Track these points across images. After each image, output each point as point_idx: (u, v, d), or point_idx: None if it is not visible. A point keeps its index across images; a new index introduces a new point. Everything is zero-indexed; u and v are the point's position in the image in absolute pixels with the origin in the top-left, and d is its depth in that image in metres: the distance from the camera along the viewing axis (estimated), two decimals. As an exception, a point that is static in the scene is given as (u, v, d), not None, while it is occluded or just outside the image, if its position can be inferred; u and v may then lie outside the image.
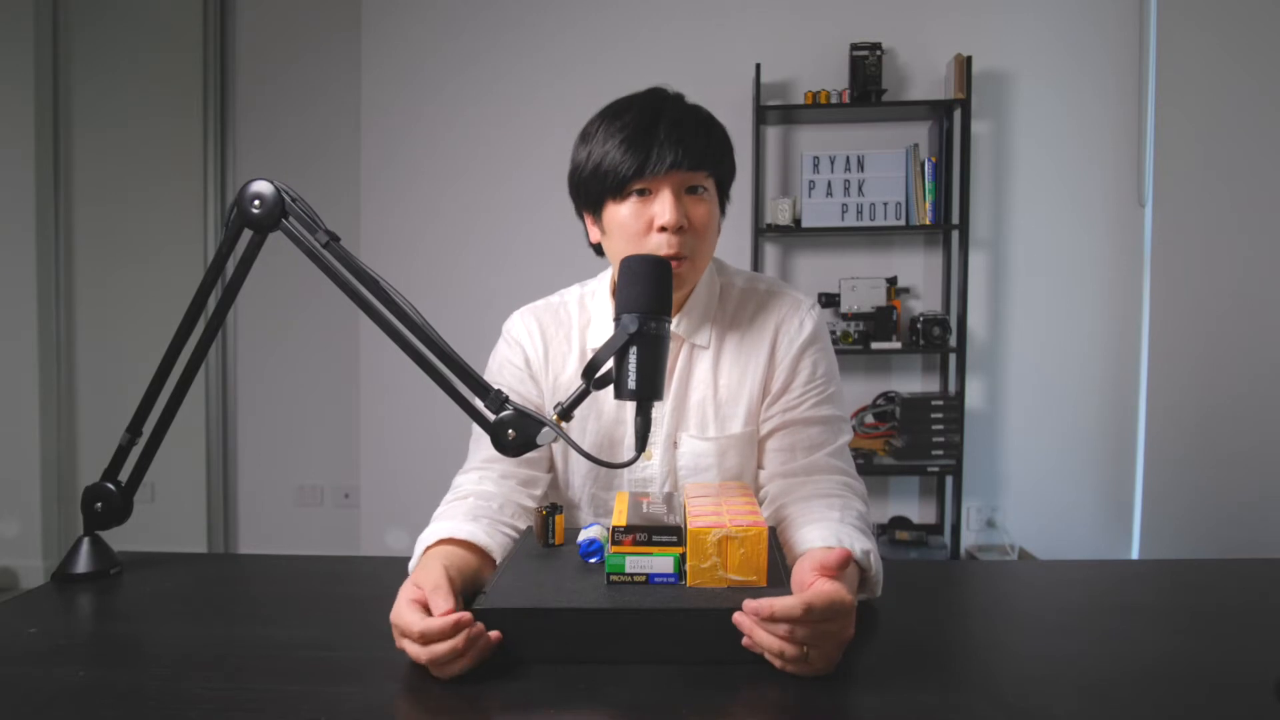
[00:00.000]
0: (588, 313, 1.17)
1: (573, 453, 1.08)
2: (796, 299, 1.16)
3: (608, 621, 0.78)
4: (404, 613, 0.78)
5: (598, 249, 1.13)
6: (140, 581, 1.07)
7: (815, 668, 0.75)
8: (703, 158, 1.03)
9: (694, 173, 1.03)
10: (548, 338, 1.16)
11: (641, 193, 1.03)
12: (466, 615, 0.76)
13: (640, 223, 1.03)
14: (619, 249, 1.06)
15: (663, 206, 1.02)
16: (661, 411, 1.12)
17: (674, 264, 1.01)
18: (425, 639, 0.75)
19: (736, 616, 0.76)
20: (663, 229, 1.02)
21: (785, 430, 1.11)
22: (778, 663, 0.75)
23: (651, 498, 0.96)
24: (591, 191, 1.06)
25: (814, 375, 1.12)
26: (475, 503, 1.05)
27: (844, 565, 0.79)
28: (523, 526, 1.08)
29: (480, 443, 1.14)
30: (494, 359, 1.20)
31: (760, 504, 1.12)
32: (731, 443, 1.11)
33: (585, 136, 1.07)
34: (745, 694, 0.73)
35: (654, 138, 1.01)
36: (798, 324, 1.13)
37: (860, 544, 0.92)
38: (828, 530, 0.94)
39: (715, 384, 1.12)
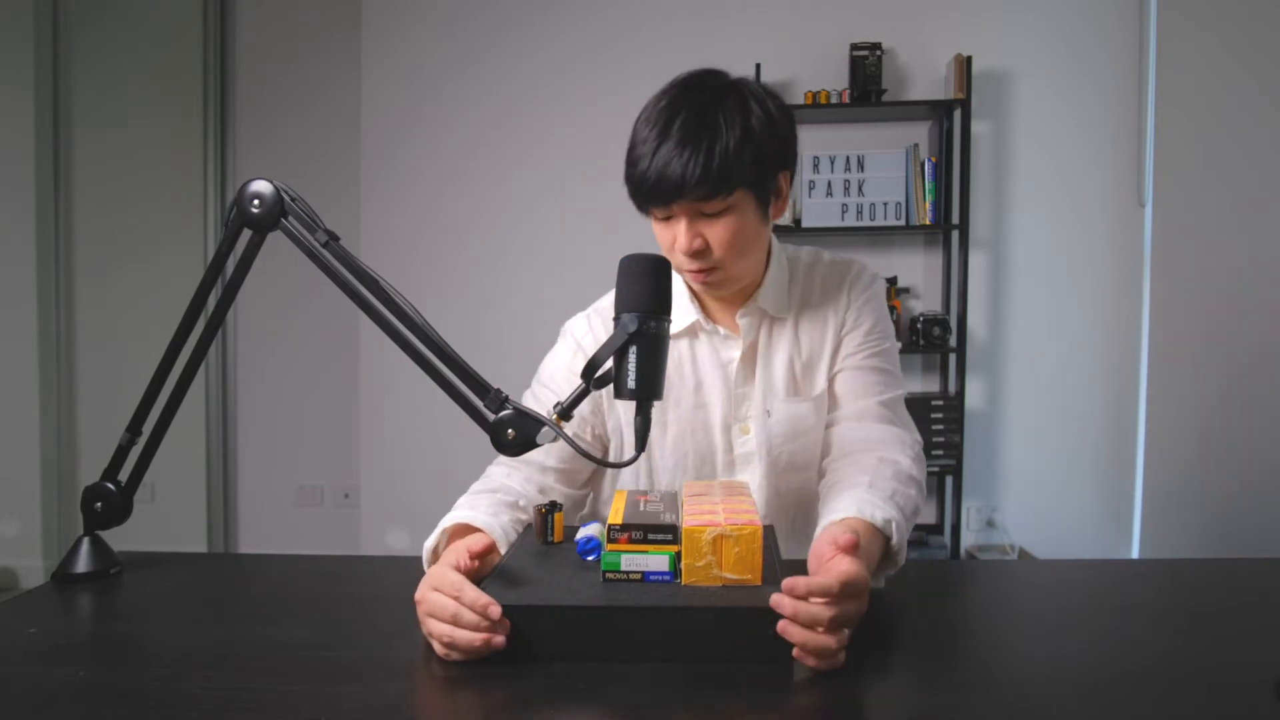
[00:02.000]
0: None
1: (659, 451, 1.12)
2: (862, 264, 1.20)
3: (602, 619, 0.78)
4: (447, 573, 0.80)
5: None
6: (140, 581, 1.07)
7: (839, 656, 0.74)
8: (710, 185, 0.97)
9: (706, 201, 0.99)
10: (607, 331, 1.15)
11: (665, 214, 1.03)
12: (498, 608, 0.77)
13: (666, 240, 1.05)
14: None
15: (677, 231, 1.03)
16: (749, 387, 1.13)
17: (702, 275, 1.04)
18: (461, 598, 0.77)
19: (774, 598, 0.74)
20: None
21: (846, 375, 1.14)
22: (811, 660, 0.74)
23: (650, 496, 0.96)
24: (628, 188, 1.05)
25: (874, 327, 1.15)
26: (497, 495, 1.08)
27: (852, 548, 0.79)
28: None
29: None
30: (549, 360, 1.19)
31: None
32: (819, 403, 1.13)
33: (636, 123, 1.04)
34: (744, 693, 0.73)
35: (659, 159, 0.98)
36: (865, 281, 1.17)
37: (882, 513, 0.94)
38: (851, 500, 0.95)
39: (799, 346, 1.14)
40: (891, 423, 1.11)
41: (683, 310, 1.13)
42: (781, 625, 0.74)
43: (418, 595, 0.82)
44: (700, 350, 1.15)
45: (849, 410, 1.13)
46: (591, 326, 1.17)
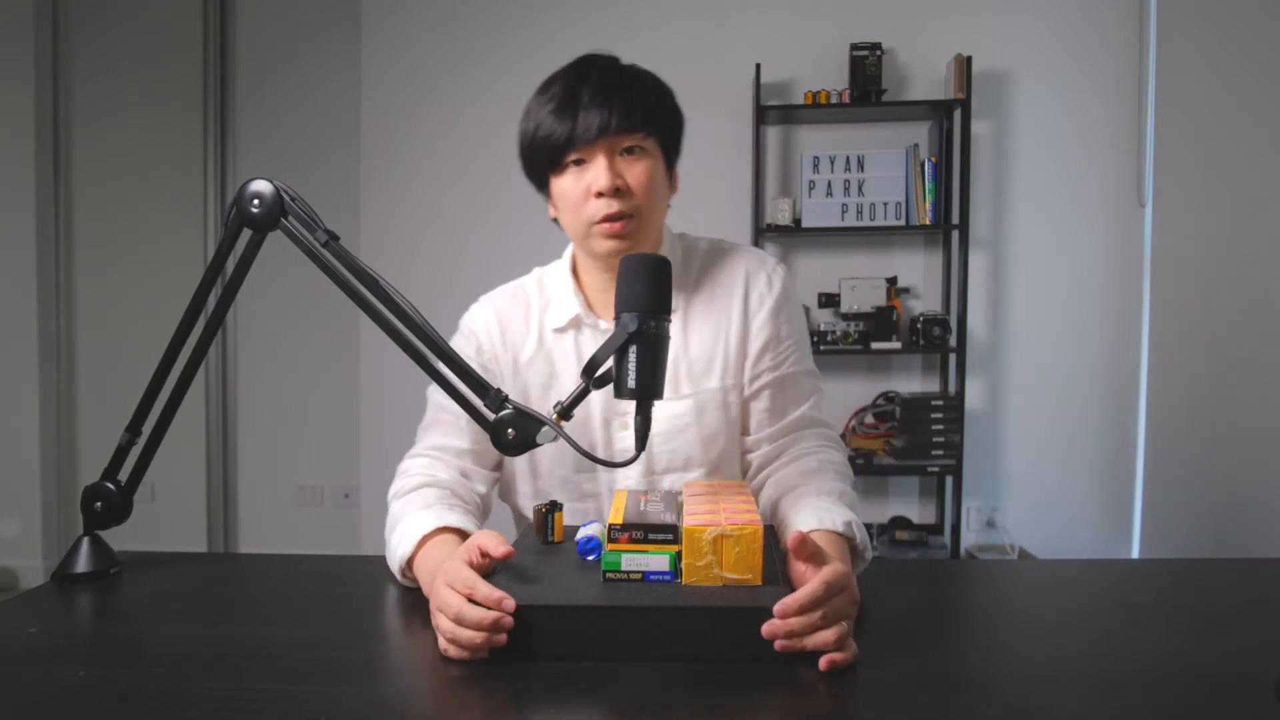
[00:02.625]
0: (546, 293, 1.18)
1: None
2: (762, 255, 1.17)
3: (602, 619, 0.78)
4: (461, 570, 0.80)
5: (557, 223, 1.14)
6: (140, 581, 1.07)
7: (847, 648, 0.76)
8: (632, 116, 1.02)
9: (627, 135, 1.03)
10: (504, 321, 1.17)
11: (579, 162, 1.04)
12: (512, 602, 0.77)
13: (579, 190, 1.04)
14: (567, 221, 1.09)
15: (596, 172, 1.03)
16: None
17: (619, 224, 1.04)
18: (474, 595, 0.77)
19: (767, 628, 0.75)
20: (600, 194, 1.03)
21: (778, 385, 1.12)
22: (824, 662, 0.75)
23: (650, 496, 0.96)
24: (534, 166, 1.08)
25: (792, 330, 1.14)
26: (439, 491, 1.07)
27: (801, 548, 0.81)
28: (476, 515, 1.10)
29: (438, 427, 1.15)
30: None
31: (747, 470, 1.15)
32: (710, 398, 1.11)
33: (524, 113, 1.08)
34: (745, 693, 0.73)
35: (579, 103, 1.01)
36: (765, 279, 1.13)
37: (842, 516, 0.96)
38: (808, 513, 0.97)
39: (686, 344, 1.12)
40: (817, 424, 1.14)
41: (565, 304, 1.14)
42: (780, 645, 0.76)
43: (427, 591, 0.82)
44: (584, 343, 1.14)
45: (778, 425, 1.12)
46: (481, 312, 1.19)
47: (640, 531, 0.83)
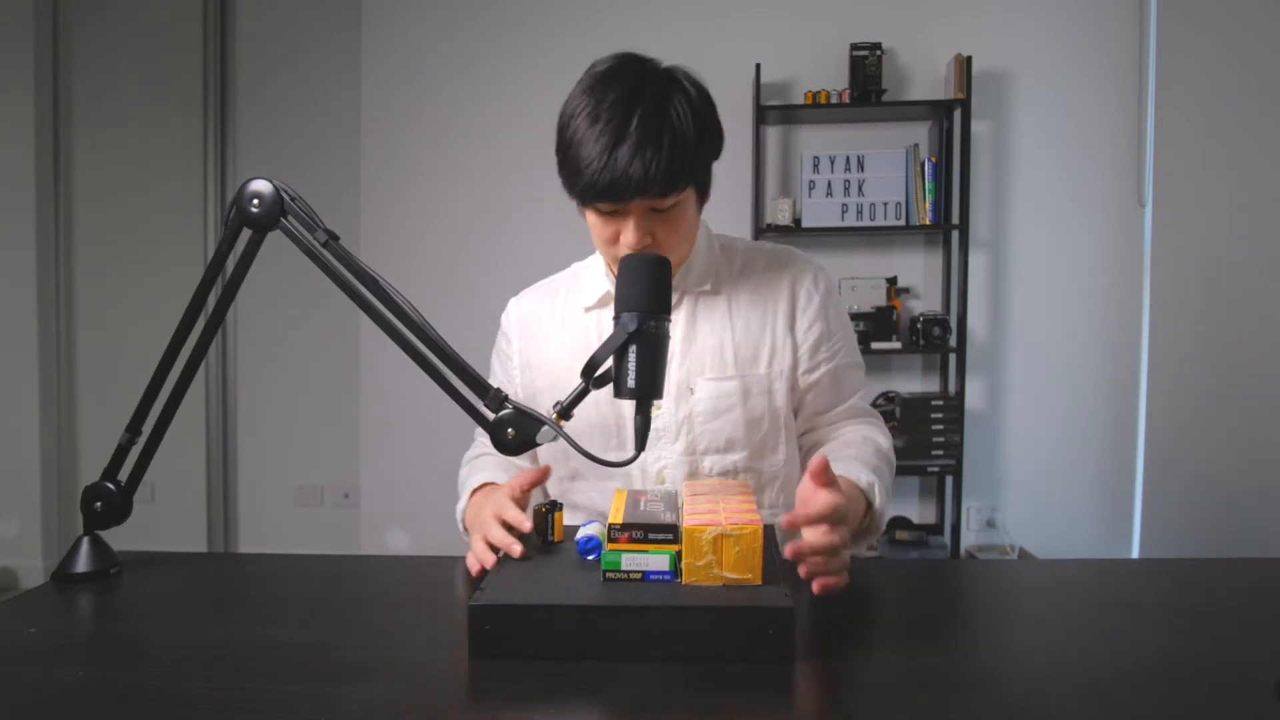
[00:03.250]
0: (579, 282, 1.22)
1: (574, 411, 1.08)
2: (806, 257, 1.21)
3: (602, 618, 0.78)
4: (505, 502, 0.99)
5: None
6: (140, 581, 1.07)
7: (844, 574, 0.89)
8: (670, 182, 0.97)
9: (660, 199, 0.99)
10: (535, 315, 1.23)
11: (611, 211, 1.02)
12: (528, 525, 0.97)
13: (607, 232, 1.04)
14: (595, 242, 1.11)
15: (626, 230, 1.01)
16: (669, 354, 1.07)
17: None
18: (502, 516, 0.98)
19: (790, 547, 0.86)
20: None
21: (834, 376, 1.18)
22: (817, 585, 0.87)
23: (650, 495, 0.96)
24: (563, 179, 1.04)
25: (842, 325, 1.19)
26: (498, 459, 1.21)
27: (824, 467, 0.89)
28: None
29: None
30: (494, 352, 1.29)
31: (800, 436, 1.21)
32: (756, 382, 1.13)
33: (566, 112, 1.02)
34: (745, 693, 0.73)
35: (616, 160, 0.95)
36: (812, 277, 1.17)
37: (865, 477, 1.03)
38: (839, 463, 1.03)
39: (732, 327, 1.14)
40: (866, 415, 1.21)
41: (597, 285, 1.17)
42: (789, 550, 0.86)
43: (472, 519, 1.06)
44: (605, 320, 1.15)
45: (832, 416, 1.20)
46: (516, 308, 1.26)
47: (640, 531, 0.83)
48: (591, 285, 1.19)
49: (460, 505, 1.16)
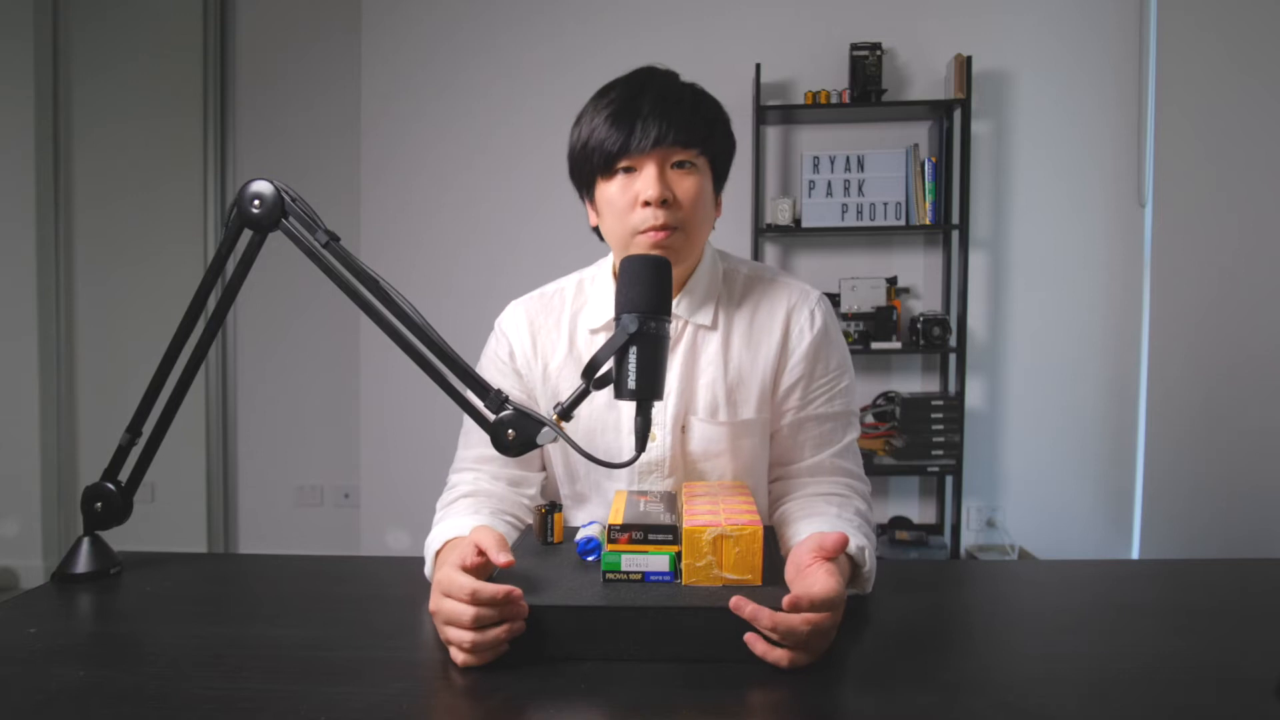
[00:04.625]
0: (584, 296, 1.17)
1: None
2: (805, 289, 1.15)
3: (602, 619, 0.78)
4: (455, 576, 0.78)
5: (597, 232, 1.13)
6: (140, 581, 1.07)
7: (808, 659, 0.76)
8: (689, 132, 1.02)
9: (681, 149, 1.02)
10: (536, 328, 1.16)
11: (628, 170, 1.03)
12: (518, 590, 0.77)
13: (626, 198, 1.03)
14: (611, 228, 1.06)
15: (646, 182, 1.01)
16: (667, 389, 1.09)
17: (663, 234, 1.02)
18: (477, 599, 0.76)
19: (735, 602, 0.76)
20: (646, 203, 1.02)
21: (795, 426, 1.11)
22: (771, 657, 0.75)
23: (650, 496, 0.96)
24: (583, 172, 1.07)
25: (827, 370, 1.12)
26: (476, 500, 1.07)
27: (843, 547, 0.80)
28: (525, 519, 1.11)
29: (470, 440, 1.15)
30: (484, 352, 1.21)
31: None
32: (745, 429, 1.10)
33: (578, 119, 1.08)
34: (745, 693, 0.73)
35: (638, 113, 1.01)
36: (808, 314, 1.12)
37: (855, 540, 0.93)
38: (824, 523, 0.97)
39: (725, 366, 1.10)
40: (848, 473, 1.12)
41: (604, 306, 1.12)
42: (748, 636, 0.76)
43: (431, 606, 0.81)
44: None
45: (805, 465, 1.11)
46: (514, 314, 1.19)
47: (640, 532, 0.83)
48: (598, 304, 1.14)
49: (428, 570, 1.02)
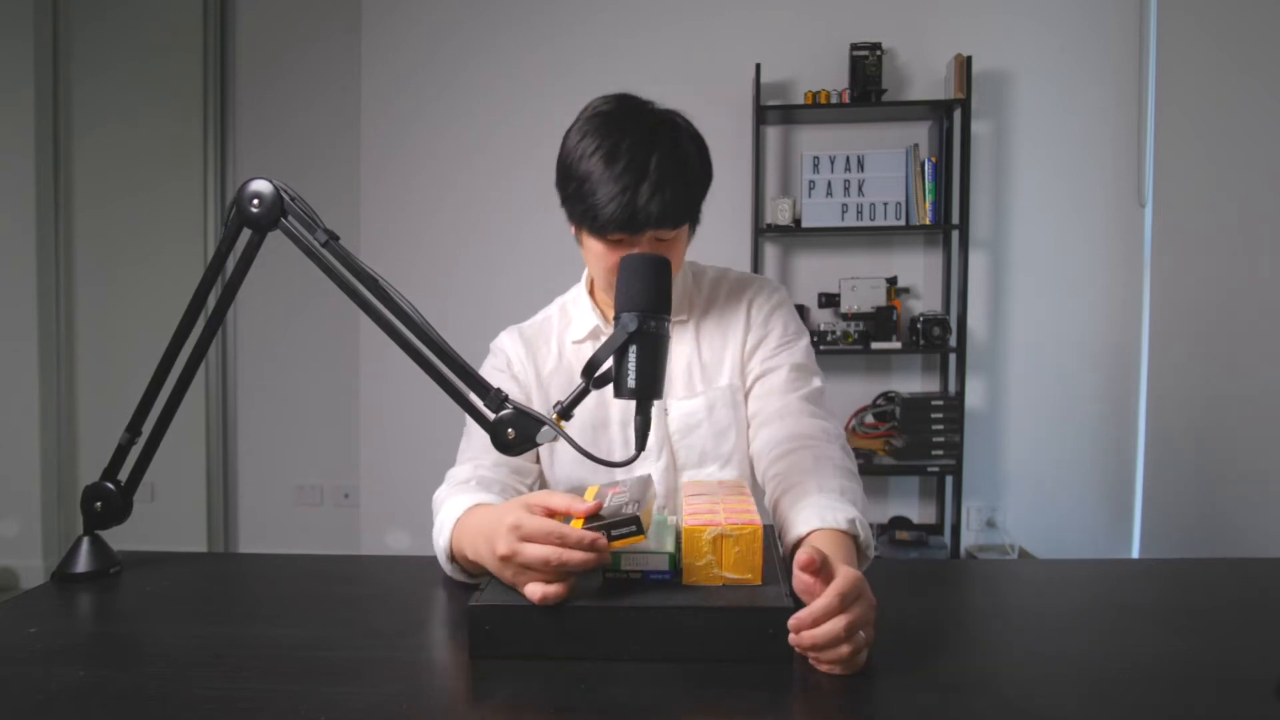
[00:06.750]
0: (568, 317, 1.26)
1: (564, 444, 1.06)
2: (765, 279, 1.28)
3: (602, 619, 0.78)
4: (535, 518, 0.80)
5: (577, 239, 1.16)
6: (140, 581, 1.07)
7: (859, 659, 0.74)
8: (685, 214, 1.08)
9: (670, 230, 1.07)
10: (529, 343, 1.25)
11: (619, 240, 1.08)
12: (603, 539, 0.78)
13: (611, 260, 1.08)
14: (592, 268, 1.15)
15: (634, 248, 1.07)
16: None
17: None
18: (565, 540, 0.77)
19: (793, 639, 0.73)
20: None
21: (762, 377, 1.20)
22: (836, 669, 0.74)
23: (619, 488, 0.93)
24: (573, 210, 1.09)
25: (785, 332, 1.22)
26: (481, 482, 1.11)
27: (816, 562, 0.76)
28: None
29: (472, 439, 1.18)
30: (481, 369, 1.26)
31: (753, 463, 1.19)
32: (719, 395, 1.19)
33: (576, 143, 1.07)
34: (745, 693, 0.73)
35: (638, 197, 1.03)
36: (767, 293, 1.25)
37: (845, 514, 0.94)
38: (810, 512, 0.96)
39: (699, 347, 1.22)
40: (814, 415, 1.16)
41: (585, 319, 1.23)
42: (811, 659, 0.74)
43: (503, 551, 0.80)
44: None
45: (771, 410, 1.17)
46: (508, 336, 1.26)
47: (604, 530, 0.79)
48: (579, 319, 1.24)
49: (443, 540, 1.00)
